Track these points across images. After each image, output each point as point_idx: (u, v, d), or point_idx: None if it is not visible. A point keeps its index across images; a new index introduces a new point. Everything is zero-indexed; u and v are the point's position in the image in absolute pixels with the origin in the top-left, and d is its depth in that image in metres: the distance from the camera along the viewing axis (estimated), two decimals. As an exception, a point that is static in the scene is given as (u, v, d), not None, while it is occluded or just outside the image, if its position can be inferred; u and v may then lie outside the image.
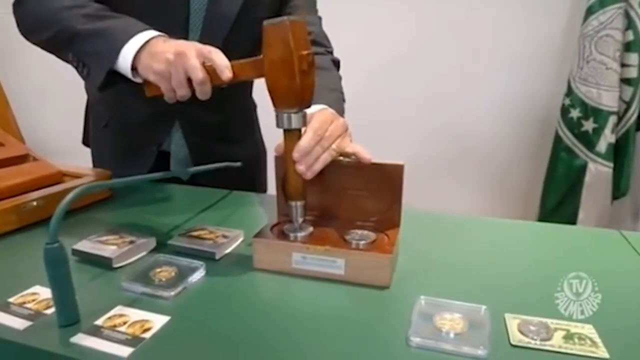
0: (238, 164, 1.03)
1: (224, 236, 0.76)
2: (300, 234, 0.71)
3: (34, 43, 0.94)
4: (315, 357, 0.51)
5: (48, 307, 0.59)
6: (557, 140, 1.91)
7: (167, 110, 1.09)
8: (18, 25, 0.95)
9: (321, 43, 1.06)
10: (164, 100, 1.08)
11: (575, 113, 1.84)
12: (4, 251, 0.76)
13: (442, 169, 2.23)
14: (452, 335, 0.53)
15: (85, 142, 1.27)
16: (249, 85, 1.24)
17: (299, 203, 0.71)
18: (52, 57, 0.92)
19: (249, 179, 1.19)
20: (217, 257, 0.72)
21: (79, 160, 1.15)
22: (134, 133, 1.12)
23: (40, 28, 0.90)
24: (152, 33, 0.78)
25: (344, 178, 0.74)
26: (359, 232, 0.70)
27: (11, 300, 0.61)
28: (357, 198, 0.74)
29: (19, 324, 0.56)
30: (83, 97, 1.23)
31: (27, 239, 0.79)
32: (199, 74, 0.70)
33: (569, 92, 1.85)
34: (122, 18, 0.83)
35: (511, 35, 1.99)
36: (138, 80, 0.80)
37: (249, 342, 0.53)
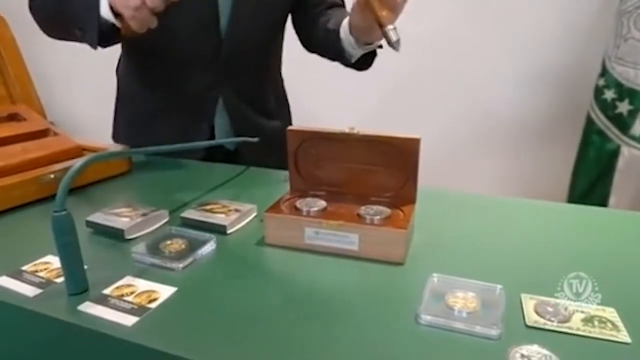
0: (256, 139, 1.02)
1: (237, 210, 0.75)
2: (313, 209, 0.69)
3: (55, 37, 0.97)
4: (321, 334, 0.50)
5: (59, 276, 0.59)
6: (589, 122, 1.83)
7: (210, 84, 1.08)
8: (41, 28, 0.97)
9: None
10: (206, 73, 1.07)
11: (609, 94, 1.76)
12: (21, 221, 0.77)
13: (468, 149, 2.18)
14: (464, 314, 0.51)
15: (115, 138, 1.23)
16: (279, 56, 1.24)
17: (390, 25, 0.80)
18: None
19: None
20: (228, 231, 0.71)
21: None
22: (187, 112, 1.11)
23: (49, 16, 0.93)
24: None
25: (358, 153, 0.72)
26: (374, 207, 0.68)
27: (24, 268, 0.61)
28: (372, 173, 0.72)
29: (29, 291, 0.56)
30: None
31: (44, 211, 0.80)
32: None
33: (604, 72, 1.76)
34: None
35: (543, 13, 1.91)
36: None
37: (253, 316, 0.52)
